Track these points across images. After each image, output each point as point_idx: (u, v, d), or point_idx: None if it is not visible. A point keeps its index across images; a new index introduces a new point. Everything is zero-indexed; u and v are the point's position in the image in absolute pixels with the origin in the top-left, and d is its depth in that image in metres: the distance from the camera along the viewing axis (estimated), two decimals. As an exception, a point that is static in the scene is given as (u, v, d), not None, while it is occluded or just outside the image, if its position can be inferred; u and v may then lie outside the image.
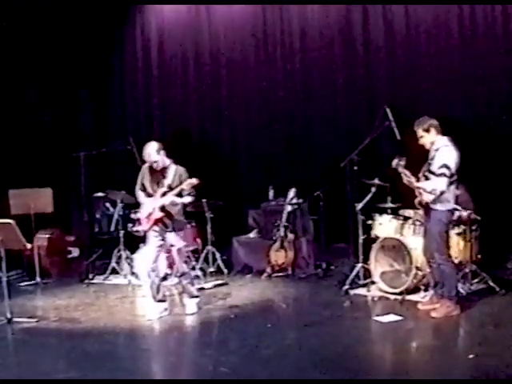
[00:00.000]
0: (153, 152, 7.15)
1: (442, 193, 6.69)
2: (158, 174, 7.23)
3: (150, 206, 7.22)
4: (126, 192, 9.42)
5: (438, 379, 5.36)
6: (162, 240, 7.27)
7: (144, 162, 7.35)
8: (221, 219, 9.51)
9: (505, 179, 8.39)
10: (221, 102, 10.81)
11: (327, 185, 8.85)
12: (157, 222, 7.18)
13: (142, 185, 7.36)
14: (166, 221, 7.19)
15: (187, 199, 7.21)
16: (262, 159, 10.52)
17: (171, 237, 7.26)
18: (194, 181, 7.02)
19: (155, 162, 7.16)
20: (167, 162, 7.24)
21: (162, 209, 7.14)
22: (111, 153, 10.29)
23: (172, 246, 7.30)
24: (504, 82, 8.57)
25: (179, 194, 7.14)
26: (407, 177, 6.79)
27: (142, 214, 7.36)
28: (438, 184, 6.65)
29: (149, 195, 7.30)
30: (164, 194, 7.13)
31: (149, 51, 11.35)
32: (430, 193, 6.67)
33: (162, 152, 7.22)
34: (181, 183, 7.09)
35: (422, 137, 6.93)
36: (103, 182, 10.40)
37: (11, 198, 9.54)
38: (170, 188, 7.13)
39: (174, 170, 7.19)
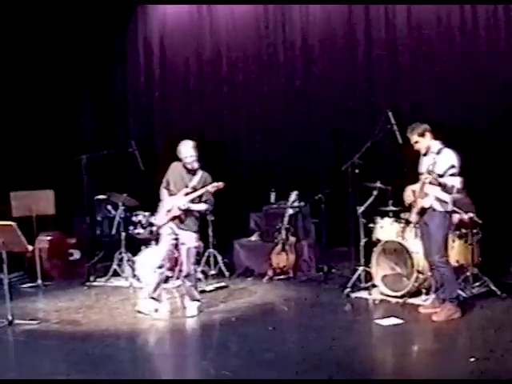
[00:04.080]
0: (192, 149, 7.27)
1: (458, 191, 6.70)
2: (185, 176, 7.33)
3: (170, 204, 7.32)
4: (128, 195, 9.44)
5: (439, 379, 5.37)
6: (175, 239, 7.34)
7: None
8: (222, 222, 9.52)
9: (505, 183, 8.38)
10: (222, 104, 10.80)
11: (329, 188, 8.85)
12: (174, 218, 7.28)
13: (167, 183, 7.45)
14: (183, 218, 7.27)
15: (202, 206, 7.33)
16: (263, 162, 10.51)
17: (184, 235, 7.32)
18: (220, 184, 7.18)
19: (191, 156, 7.24)
20: (196, 165, 7.33)
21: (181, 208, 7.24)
22: (113, 155, 10.30)
23: (183, 244, 7.33)
24: (506, 86, 8.55)
25: (197, 200, 7.25)
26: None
27: (161, 209, 7.46)
28: (454, 182, 6.63)
29: (171, 194, 7.39)
30: (187, 194, 7.23)
31: (151, 53, 11.35)
32: (446, 192, 6.65)
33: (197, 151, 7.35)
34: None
35: (417, 142, 6.93)
36: (105, 185, 10.40)
37: (13, 200, 9.54)
38: (194, 190, 7.23)
39: (200, 175, 7.32)
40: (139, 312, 7.44)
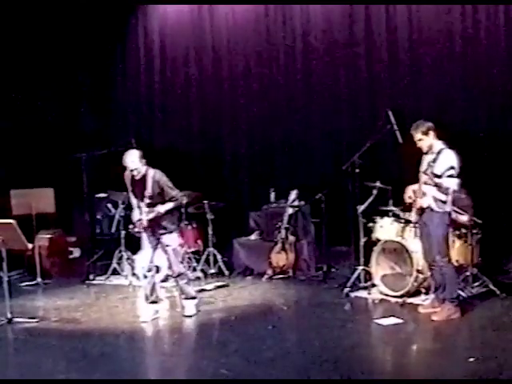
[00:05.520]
0: (137, 160, 7.10)
1: (454, 192, 6.70)
2: (139, 183, 7.21)
3: (137, 216, 7.27)
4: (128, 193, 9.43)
5: (438, 379, 5.37)
6: (157, 240, 7.28)
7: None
8: (222, 221, 9.52)
9: (505, 183, 8.39)
10: (222, 103, 10.80)
11: (329, 187, 8.84)
12: (146, 228, 7.23)
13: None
14: (156, 224, 7.21)
15: (169, 206, 7.19)
16: (263, 161, 10.51)
17: (166, 238, 7.27)
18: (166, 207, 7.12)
19: (136, 169, 7.11)
20: (143, 171, 7.18)
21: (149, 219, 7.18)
22: (113, 154, 10.27)
23: (168, 246, 7.31)
24: (506, 86, 8.55)
25: (162, 202, 7.15)
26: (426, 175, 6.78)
27: (133, 217, 7.43)
28: (450, 184, 6.63)
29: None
30: (149, 205, 7.14)
31: (151, 52, 11.34)
32: (443, 192, 6.65)
33: (143, 160, 7.18)
34: (161, 189, 7.12)
35: (420, 140, 6.92)
36: (105, 183, 10.39)
37: (13, 197, 9.55)
38: (151, 198, 7.12)
39: (151, 178, 7.15)
40: (144, 322, 7.26)
